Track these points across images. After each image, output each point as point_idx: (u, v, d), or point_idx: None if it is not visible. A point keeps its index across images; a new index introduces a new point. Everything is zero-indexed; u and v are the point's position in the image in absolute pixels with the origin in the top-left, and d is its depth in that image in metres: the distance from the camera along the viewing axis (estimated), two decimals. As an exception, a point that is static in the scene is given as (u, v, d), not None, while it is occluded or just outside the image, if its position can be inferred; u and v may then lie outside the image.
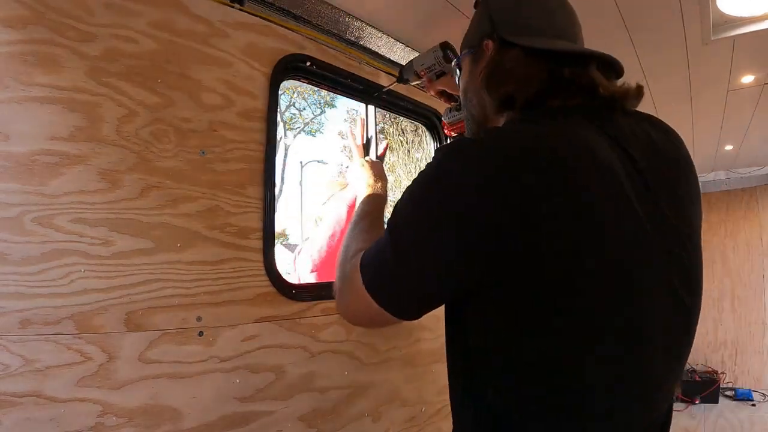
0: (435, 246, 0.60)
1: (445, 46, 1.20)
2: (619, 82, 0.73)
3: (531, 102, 0.69)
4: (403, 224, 0.64)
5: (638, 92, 0.71)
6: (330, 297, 1.21)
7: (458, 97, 0.96)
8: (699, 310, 0.69)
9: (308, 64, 1.24)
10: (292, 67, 1.20)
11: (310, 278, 1.91)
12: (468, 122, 0.83)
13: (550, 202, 0.56)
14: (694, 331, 0.69)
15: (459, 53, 0.86)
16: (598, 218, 0.58)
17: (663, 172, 0.66)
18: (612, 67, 0.73)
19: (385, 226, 0.68)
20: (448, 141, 1.26)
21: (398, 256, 0.63)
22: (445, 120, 1.28)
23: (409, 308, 0.68)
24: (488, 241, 0.56)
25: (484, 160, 0.59)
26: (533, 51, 0.71)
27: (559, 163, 0.58)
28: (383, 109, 1.59)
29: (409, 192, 0.64)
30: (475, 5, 0.86)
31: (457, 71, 0.87)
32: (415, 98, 1.60)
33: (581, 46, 0.77)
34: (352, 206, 1.75)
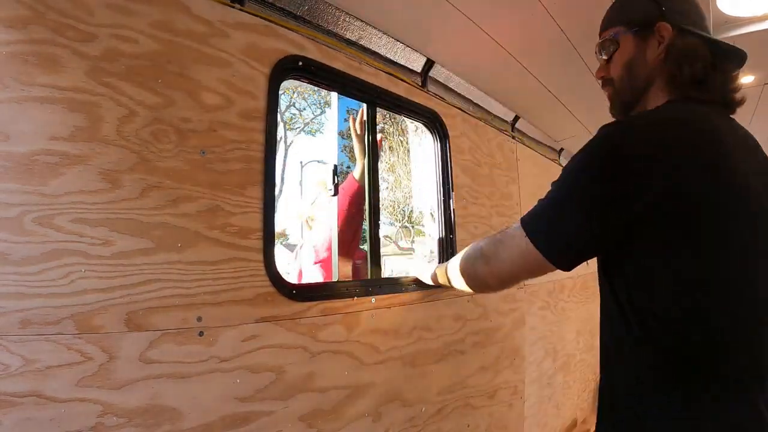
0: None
1: None
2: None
3: (698, 81, 0.82)
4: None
5: (741, 103, 0.87)
6: (329, 297, 1.21)
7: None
8: None
9: (300, 63, 1.23)
10: (292, 67, 1.20)
11: (314, 270, 1.93)
12: (621, 93, 0.91)
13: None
14: None
15: (606, 28, 0.92)
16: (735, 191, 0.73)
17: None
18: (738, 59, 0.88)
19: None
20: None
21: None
22: None
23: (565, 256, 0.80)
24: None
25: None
26: (710, 42, 0.84)
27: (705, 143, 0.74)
28: (383, 109, 1.59)
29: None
30: None
31: (610, 47, 0.91)
32: (415, 99, 1.60)
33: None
34: (350, 194, 1.78)
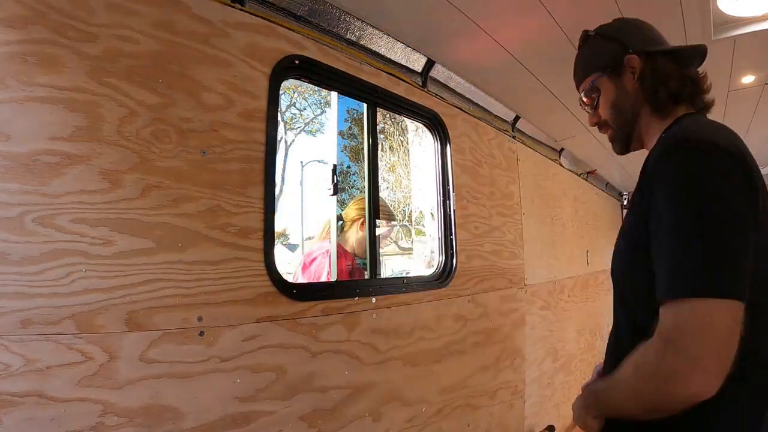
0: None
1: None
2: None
3: (692, 97, 0.85)
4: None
5: (712, 106, 0.89)
6: (330, 297, 1.22)
7: None
8: None
9: (301, 63, 1.23)
10: (292, 67, 1.20)
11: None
12: (619, 131, 0.92)
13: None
14: None
15: (582, 80, 0.94)
16: None
17: None
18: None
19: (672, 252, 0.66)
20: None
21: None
22: None
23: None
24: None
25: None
26: (673, 53, 0.87)
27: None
28: (385, 110, 1.59)
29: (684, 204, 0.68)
30: (583, 40, 0.96)
31: (593, 95, 0.93)
32: (415, 99, 1.60)
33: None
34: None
